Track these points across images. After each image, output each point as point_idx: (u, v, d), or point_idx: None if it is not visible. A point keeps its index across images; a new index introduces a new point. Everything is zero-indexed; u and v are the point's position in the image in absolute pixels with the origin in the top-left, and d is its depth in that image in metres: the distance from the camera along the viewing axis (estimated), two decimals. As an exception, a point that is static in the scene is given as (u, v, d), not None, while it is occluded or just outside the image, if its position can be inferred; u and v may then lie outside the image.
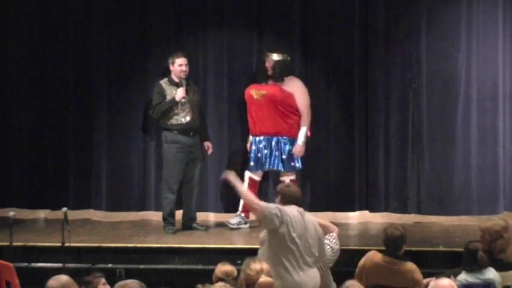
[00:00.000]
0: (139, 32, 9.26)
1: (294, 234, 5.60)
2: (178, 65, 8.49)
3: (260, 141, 8.71)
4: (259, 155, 8.70)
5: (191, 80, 8.67)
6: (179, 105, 8.45)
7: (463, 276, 6.12)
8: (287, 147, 8.68)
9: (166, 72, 8.63)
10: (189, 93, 8.52)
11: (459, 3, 9.08)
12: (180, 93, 8.42)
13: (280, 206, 5.72)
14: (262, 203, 5.72)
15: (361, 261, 6.24)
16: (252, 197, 5.86)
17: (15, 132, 9.40)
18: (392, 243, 6.18)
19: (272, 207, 5.66)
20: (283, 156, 8.67)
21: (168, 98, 8.48)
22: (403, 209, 9.16)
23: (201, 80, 9.16)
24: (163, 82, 8.57)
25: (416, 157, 9.14)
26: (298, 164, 8.73)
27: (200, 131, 8.66)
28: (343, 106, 9.25)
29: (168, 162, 8.53)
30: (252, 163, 8.73)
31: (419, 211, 9.12)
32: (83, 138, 9.40)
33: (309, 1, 9.20)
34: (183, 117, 8.49)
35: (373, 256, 6.22)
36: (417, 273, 6.14)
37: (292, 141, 8.69)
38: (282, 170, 8.70)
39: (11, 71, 9.37)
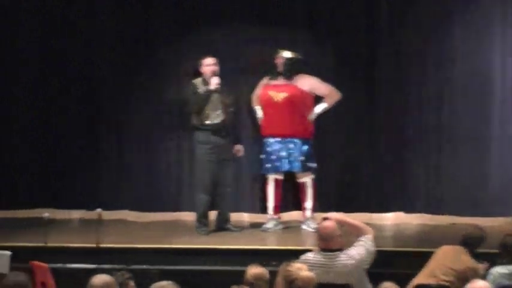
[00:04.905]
0: (167, 25, 9.24)
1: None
2: (206, 65, 8.49)
3: (274, 143, 8.67)
4: (273, 157, 8.67)
5: (224, 80, 8.61)
6: (211, 105, 8.43)
7: (496, 269, 6.20)
8: (304, 148, 8.64)
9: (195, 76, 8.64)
10: (222, 93, 8.51)
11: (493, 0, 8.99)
12: (214, 81, 8.40)
13: None
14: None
15: None
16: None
17: (54, 134, 9.43)
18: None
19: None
20: (301, 158, 8.63)
21: None
22: (437, 210, 9.07)
23: (233, 73, 9.08)
24: (197, 81, 8.57)
25: (451, 157, 9.05)
26: (314, 165, 8.69)
27: (232, 132, 8.64)
28: (375, 105, 9.18)
29: (200, 162, 8.52)
30: (267, 165, 8.71)
31: (454, 212, 9.03)
32: (118, 140, 9.42)
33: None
34: (215, 118, 8.47)
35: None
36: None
37: (308, 142, 8.68)
38: (301, 171, 8.66)
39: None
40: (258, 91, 8.87)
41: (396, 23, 9.11)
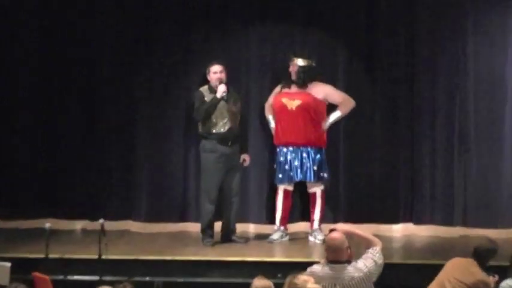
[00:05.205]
0: (178, 37, 9.21)
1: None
2: (213, 73, 8.45)
3: (288, 152, 8.61)
4: (286, 166, 8.61)
5: (232, 87, 8.57)
6: (218, 114, 8.37)
7: (507, 282, 6.18)
8: (317, 157, 8.58)
9: (205, 82, 8.59)
10: (229, 101, 8.42)
11: (506, 4, 8.91)
12: (221, 89, 8.34)
13: None
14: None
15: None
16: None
17: (57, 142, 9.37)
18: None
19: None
20: (315, 167, 8.57)
21: None
22: (448, 221, 8.99)
23: (242, 79, 9.12)
24: (203, 89, 8.52)
25: (463, 166, 8.98)
26: (326, 174, 8.64)
27: (240, 141, 8.55)
28: (386, 113, 9.13)
29: (206, 171, 8.44)
30: (280, 175, 8.64)
31: (465, 223, 8.96)
32: (122, 148, 9.36)
33: (353, 12, 9.10)
34: (222, 126, 8.40)
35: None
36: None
37: (321, 151, 8.63)
38: (313, 181, 8.58)
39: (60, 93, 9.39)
40: (271, 100, 8.82)
41: (412, 28, 9.08)
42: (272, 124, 8.80)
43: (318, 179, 8.62)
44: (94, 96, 9.31)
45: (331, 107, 8.75)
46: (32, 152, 9.35)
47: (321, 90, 8.67)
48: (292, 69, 8.65)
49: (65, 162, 9.33)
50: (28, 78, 9.33)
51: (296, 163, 8.58)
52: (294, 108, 8.57)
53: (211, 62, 8.52)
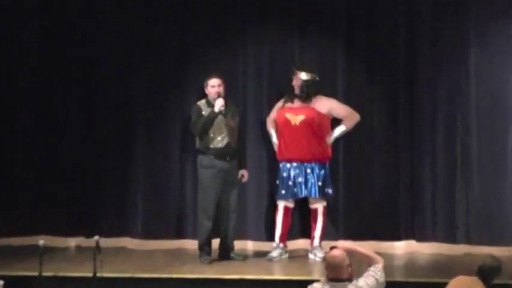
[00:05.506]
0: (176, 49, 9.18)
1: None
2: (211, 87, 8.39)
3: (291, 168, 8.52)
4: (290, 182, 8.52)
5: (230, 101, 8.50)
6: (216, 128, 8.28)
7: None
8: (322, 173, 8.50)
9: (203, 96, 8.52)
10: (227, 115, 8.33)
11: (509, 21, 8.81)
12: (219, 103, 8.27)
13: None
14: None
15: None
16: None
17: (49, 158, 9.31)
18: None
19: None
20: (319, 183, 8.48)
21: None
22: (451, 239, 8.89)
23: (240, 93, 9.05)
24: (201, 103, 8.45)
25: (465, 183, 8.89)
26: (331, 190, 8.56)
27: (238, 156, 8.46)
28: (387, 130, 9.06)
29: (204, 188, 8.34)
30: (283, 191, 8.54)
31: (468, 241, 8.86)
32: (118, 164, 9.29)
33: (354, 18, 9.03)
34: (220, 141, 8.31)
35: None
36: None
37: (325, 166, 8.55)
38: (317, 196, 8.48)
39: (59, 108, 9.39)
40: (273, 114, 8.75)
41: (415, 44, 8.99)
42: (274, 139, 8.71)
43: (323, 195, 8.53)
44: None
45: (336, 121, 8.68)
46: (25, 167, 9.30)
47: (325, 105, 8.59)
48: (296, 83, 8.57)
49: (58, 177, 9.25)
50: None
51: (300, 179, 8.49)
52: (297, 123, 8.49)
53: (209, 76, 8.46)
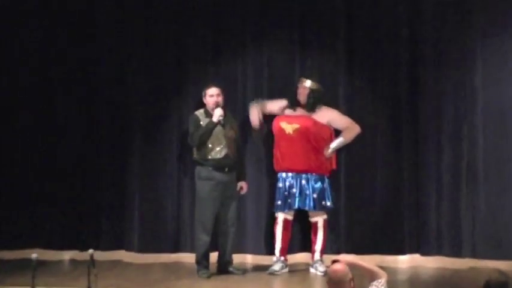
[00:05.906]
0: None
1: None
2: (210, 96, 8.31)
3: (287, 179, 8.42)
4: (286, 193, 8.43)
5: (229, 111, 8.41)
6: (214, 139, 8.17)
7: None
8: (318, 185, 8.39)
9: (201, 106, 8.46)
10: (226, 126, 8.23)
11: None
12: (217, 113, 8.17)
13: None
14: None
15: None
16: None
17: (44, 169, 9.24)
18: None
19: None
20: (314, 195, 8.37)
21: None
22: (456, 252, 8.78)
23: (240, 102, 8.95)
24: (199, 113, 8.36)
25: (470, 196, 8.76)
26: (330, 203, 8.45)
27: (237, 168, 8.34)
28: (391, 141, 8.94)
29: (202, 200, 8.21)
30: (279, 202, 8.45)
31: (474, 255, 8.75)
32: (115, 176, 9.21)
33: (355, 23, 8.96)
34: (218, 152, 8.20)
35: None
36: None
37: (323, 179, 8.44)
38: (313, 209, 8.38)
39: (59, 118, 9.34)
40: (270, 105, 8.66)
41: (418, 55, 8.89)
42: (252, 116, 8.54)
43: (320, 208, 8.40)
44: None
45: (339, 134, 8.61)
46: (17, 178, 9.22)
47: (326, 115, 8.50)
48: (302, 92, 8.47)
49: (53, 191, 9.15)
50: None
51: (294, 190, 8.40)
52: (291, 132, 8.40)
53: (208, 85, 8.38)
